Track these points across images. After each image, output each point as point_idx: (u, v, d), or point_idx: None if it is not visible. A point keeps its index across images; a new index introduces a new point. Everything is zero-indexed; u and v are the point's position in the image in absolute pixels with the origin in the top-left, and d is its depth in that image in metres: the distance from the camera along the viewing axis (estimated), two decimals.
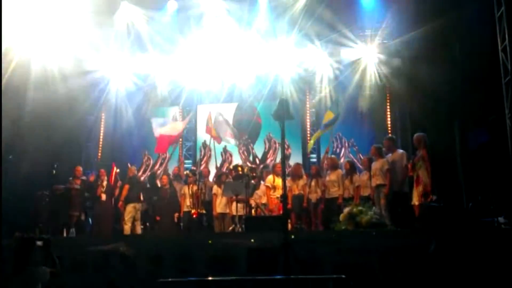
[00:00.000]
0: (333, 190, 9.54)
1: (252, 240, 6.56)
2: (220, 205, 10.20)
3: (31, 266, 4.91)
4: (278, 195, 9.87)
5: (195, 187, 10.32)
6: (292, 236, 6.61)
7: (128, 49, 12.46)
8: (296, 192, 10.02)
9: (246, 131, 13.40)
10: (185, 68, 12.67)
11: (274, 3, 11.62)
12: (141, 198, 10.71)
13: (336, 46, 12.27)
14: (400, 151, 9.04)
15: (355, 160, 11.77)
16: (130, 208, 10.32)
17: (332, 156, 11.18)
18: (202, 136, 13.49)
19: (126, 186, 10.49)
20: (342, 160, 12.00)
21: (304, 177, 10.26)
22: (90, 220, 11.05)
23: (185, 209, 10.52)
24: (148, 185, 11.40)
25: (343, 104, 11.60)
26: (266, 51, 12.34)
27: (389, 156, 8.87)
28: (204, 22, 11.83)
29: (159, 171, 13.08)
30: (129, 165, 11.44)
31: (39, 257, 5.04)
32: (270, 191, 10.02)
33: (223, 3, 11.68)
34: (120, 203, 10.37)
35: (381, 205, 8.49)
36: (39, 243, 5.15)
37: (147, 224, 10.91)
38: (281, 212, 9.51)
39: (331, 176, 9.68)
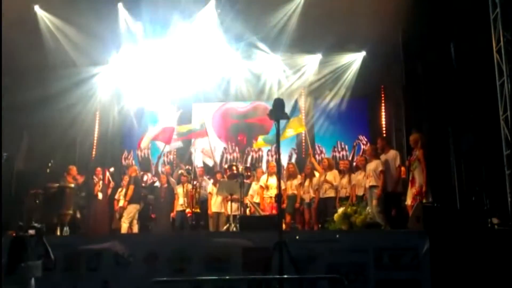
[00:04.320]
0: (329, 190, 9.57)
1: (250, 242, 6.52)
2: (215, 204, 10.22)
3: (23, 262, 4.87)
4: (271, 195, 9.91)
5: (189, 186, 10.34)
6: (297, 237, 6.62)
7: (123, 47, 12.44)
8: (290, 192, 10.07)
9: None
10: (180, 67, 12.64)
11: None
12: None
13: (329, 49, 12.31)
14: (394, 151, 9.06)
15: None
16: (131, 208, 10.35)
17: (328, 157, 11.23)
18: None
19: (131, 187, 10.51)
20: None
21: (299, 177, 10.30)
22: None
23: (178, 208, 10.53)
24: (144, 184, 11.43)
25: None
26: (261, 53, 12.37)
27: (382, 156, 8.90)
28: (193, 19, 11.78)
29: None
30: (133, 164, 11.49)
31: (32, 246, 5.01)
32: (263, 190, 10.05)
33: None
34: (125, 203, 10.37)
35: (373, 206, 8.50)
36: (31, 231, 5.11)
37: (143, 223, 10.91)
38: (273, 211, 9.57)
39: (328, 176, 9.71)
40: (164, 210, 10.80)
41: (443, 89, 10.38)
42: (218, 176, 10.77)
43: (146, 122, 13.67)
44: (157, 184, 11.97)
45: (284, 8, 11.35)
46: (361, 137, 13.05)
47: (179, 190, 10.70)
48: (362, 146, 12.98)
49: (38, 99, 11.28)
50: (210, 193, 10.43)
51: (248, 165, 11.64)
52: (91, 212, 10.81)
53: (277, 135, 5.33)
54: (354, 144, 12.75)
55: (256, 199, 10.15)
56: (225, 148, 13.56)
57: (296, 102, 11.31)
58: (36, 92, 11.27)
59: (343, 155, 12.89)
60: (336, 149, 13.08)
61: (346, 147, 13.09)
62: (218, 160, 13.33)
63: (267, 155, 13.31)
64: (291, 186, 10.22)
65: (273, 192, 9.96)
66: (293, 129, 10.89)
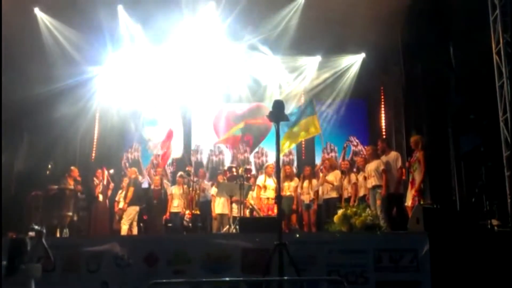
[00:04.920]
0: (331, 191, 9.56)
1: (250, 243, 6.51)
2: (218, 205, 10.21)
3: (23, 264, 4.88)
4: (269, 196, 9.91)
5: (189, 188, 10.34)
6: (297, 235, 6.62)
7: (122, 49, 12.43)
8: (287, 193, 10.06)
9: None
10: (179, 69, 12.63)
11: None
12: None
13: (328, 51, 12.32)
14: (394, 152, 9.07)
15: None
16: (131, 210, 10.35)
17: (331, 157, 11.19)
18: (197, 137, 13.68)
19: (131, 189, 10.50)
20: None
21: (296, 178, 10.29)
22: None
23: (173, 210, 10.50)
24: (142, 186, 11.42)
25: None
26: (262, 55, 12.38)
27: (383, 158, 8.89)
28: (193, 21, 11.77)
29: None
30: (128, 166, 11.48)
31: (32, 248, 5.01)
32: (260, 191, 10.06)
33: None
34: (125, 205, 10.37)
35: (377, 206, 8.49)
36: (31, 233, 5.12)
37: (141, 224, 10.90)
38: (269, 212, 9.57)
39: (329, 177, 9.70)
40: (157, 211, 10.77)
41: (442, 90, 10.39)
42: (219, 178, 10.77)
43: (143, 124, 13.62)
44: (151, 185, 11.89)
45: (284, 10, 11.35)
46: (351, 138, 13.05)
47: (176, 191, 10.68)
48: (352, 148, 13.00)
49: (37, 100, 11.28)
50: (213, 195, 10.45)
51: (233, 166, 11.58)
52: (91, 214, 10.82)
53: (277, 136, 5.31)
54: (345, 145, 12.73)
55: (256, 200, 10.17)
56: (211, 150, 13.57)
57: (311, 101, 11.04)
58: (35, 93, 11.27)
59: (332, 156, 12.89)
60: (325, 151, 13.10)
61: (336, 148, 13.08)
62: (204, 162, 13.45)
63: (254, 157, 13.33)
64: (288, 188, 10.21)
65: (269, 193, 9.96)
66: (305, 132, 10.69)
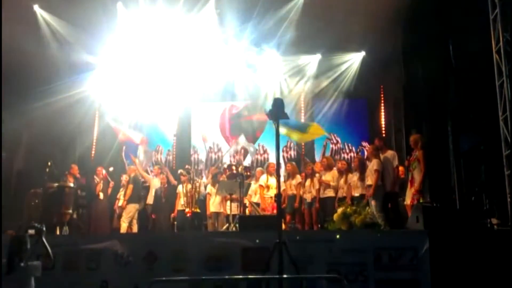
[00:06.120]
0: (328, 190, 9.57)
1: (250, 242, 6.50)
2: (214, 204, 10.21)
3: (23, 262, 4.88)
4: (272, 195, 9.90)
5: (189, 186, 10.33)
6: (298, 237, 6.61)
7: (122, 48, 12.41)
8: (290, 192, 10.06)
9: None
10: (178, 68, 12.60)
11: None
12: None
13: (328, 50, 12.32)
14: (391, 151, 9.06)
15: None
16: (131, 207, 10.34)
17: (328, 156, 11.21)
18: (196, 135, 13.70)
19: (130, 186, 10.50)
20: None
21: (298, 176, 10.27)
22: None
23: (179, 208, 10.52)
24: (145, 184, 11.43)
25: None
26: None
27: (380, 156, 8.88)
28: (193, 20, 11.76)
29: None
30: (128, 164, 11.50)
31: (31, 246, 5.01)
32: (263, 190, 10.04)
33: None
34: (124, 203, 10.36)
35: (372, 205, 8.49)
36: (31, 231, 5.12)
37: (143, 222, 10.91)
38: (274, 211, 9.54)
39: (326, 176, 9.71)
40: (164, 210, 10.77)
41: (442, 89, 10.39)
42: (219, 176, 10.77)
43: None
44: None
45: (283, 8, 11.34)
46: (331, 135, 13.04)
47: (180, 189, 10.69)
48: (332, 146, 13.01)
49: (37, 99, 11.28)
50: (208, 193, 10.43)
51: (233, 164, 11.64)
52: (92, 212, 10.82)
53: (277, 135, 5.28)
54: (324, 143, 12.73)
55: (254, 199, 10.14)
56: (193, 148, 13.57)
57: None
58: (35, 92, 11.27)
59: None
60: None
61: (315, 146, 13.07)
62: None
63: (230, 155, 13.41)
64: (290, 186, 10.20)
65: (273, 192, 9.96)
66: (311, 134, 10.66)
